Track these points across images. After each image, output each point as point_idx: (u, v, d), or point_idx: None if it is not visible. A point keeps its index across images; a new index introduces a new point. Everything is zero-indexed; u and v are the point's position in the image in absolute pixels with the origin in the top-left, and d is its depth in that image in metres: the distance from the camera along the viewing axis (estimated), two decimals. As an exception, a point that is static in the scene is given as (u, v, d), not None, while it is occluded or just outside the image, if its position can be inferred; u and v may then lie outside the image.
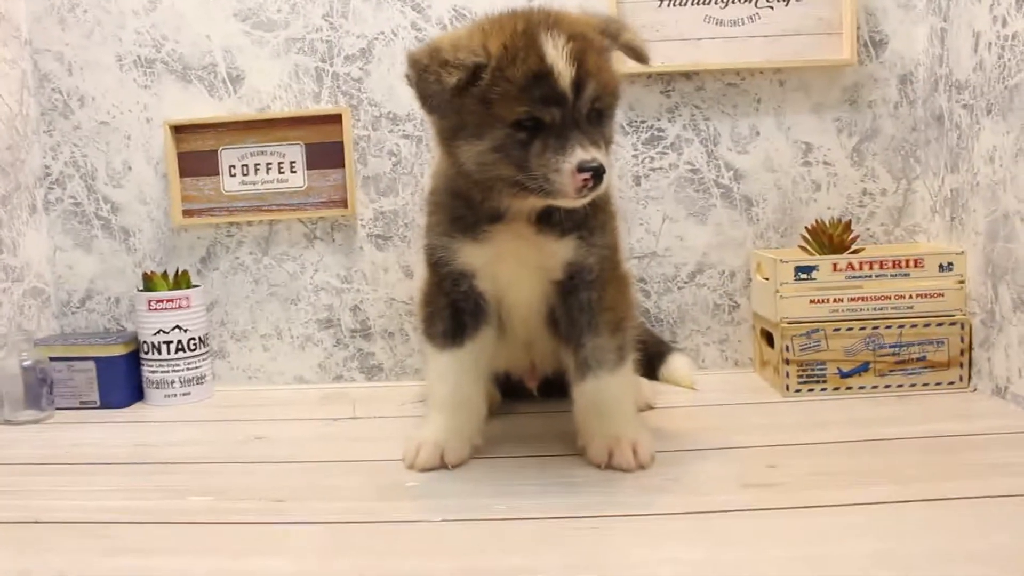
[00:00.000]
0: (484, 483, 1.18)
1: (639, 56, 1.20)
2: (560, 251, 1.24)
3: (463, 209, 1.21)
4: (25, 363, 1.62)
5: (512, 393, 1.54)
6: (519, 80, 1.10)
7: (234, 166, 1.77)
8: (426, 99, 1.14)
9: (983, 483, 1.10)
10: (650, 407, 1.49)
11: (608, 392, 1.25)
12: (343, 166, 1.74)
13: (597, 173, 1.09)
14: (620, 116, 1.72)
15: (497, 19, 1.16)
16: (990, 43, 1.46)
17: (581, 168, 1.08)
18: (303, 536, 1.05)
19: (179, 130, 1.77)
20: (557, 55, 1.09)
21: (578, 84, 1.10)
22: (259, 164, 1.77)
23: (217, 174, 1.78)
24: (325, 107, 1.76)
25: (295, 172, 1.76)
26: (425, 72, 1.12)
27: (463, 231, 1.23)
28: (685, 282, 1.76)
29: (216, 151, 1.77)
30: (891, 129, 1.73)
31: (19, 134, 1.76)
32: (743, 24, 1.69)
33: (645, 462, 1.21)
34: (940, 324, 1.54)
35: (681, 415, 1.47)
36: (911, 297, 1.55)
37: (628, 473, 1.19)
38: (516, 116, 1.11)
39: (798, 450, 1.27)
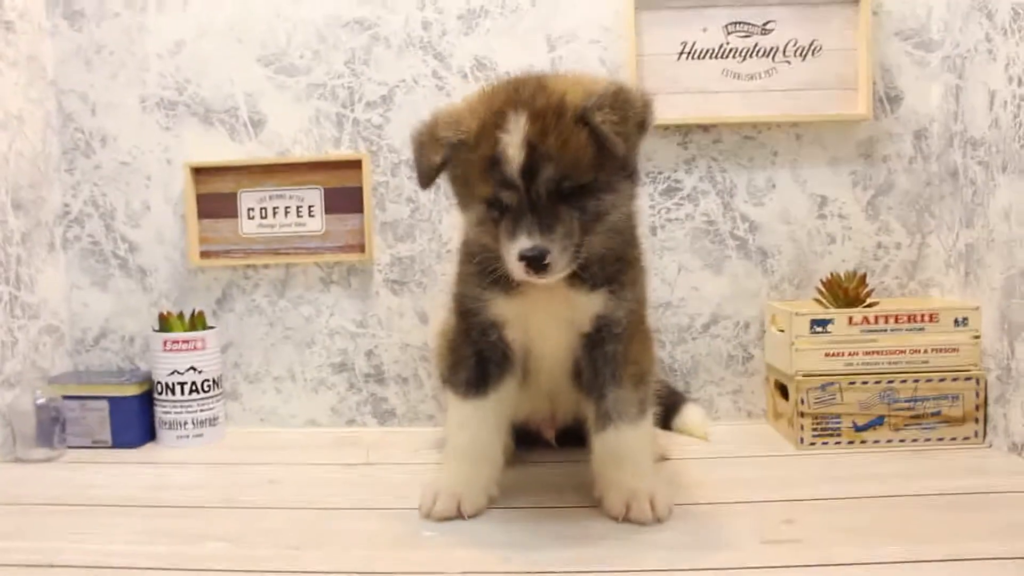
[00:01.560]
0: (501, 534, 1.18)
1: (608, 144, 1.11)
2: (590, 304, 1.24)
3: (496, 262, 1.21)
4: (39, 401, 1.62)
5: (527, 442, 1.54)
6: (481, 163, 1.14)
7: (253, 209, 1.79)
8: (420, 176, 1.22)
9: (1003, 544, 1.09)
10: (664, 458, 1.49)
11: (627, 444, 1.25)
12: (361, 211, 1.76)
13: (532, 261, 1.10)
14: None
15: (488, 92, 1.19)
16: (1005, 102, 1.48)
17: (520, 256, 1.10)
18: (321, 586, 1.04)
19: (199, 172, 1.78)
20: (510, 139, 1.11)
21: (530, 169, 1.10)
22: (278, 207, 1.78)
23: (236, 216, 1.79)
24: (345, 152, 1.77)
25: (313, 216, 1.78)
26: (420, 149, 1.20)
27: (495, 283, 1.23)
28: (699, 332, 1.77)
29: (235, 193, 1.79)
30: (906, 184, 1.74)
31: (41, 172, 1.77)
32: (760, 78, 1.71)
33: (662, 516, 1.20)
34: (955, 379, 1.54)
35: (696, 466, 1.47)
36: (926, 352, 1.55)
37: (645, 526, 1.18)
38: (484, 196, 1.16)
39: (815, 505, 1.26)
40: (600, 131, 1.10)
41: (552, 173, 1.10)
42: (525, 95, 1.13)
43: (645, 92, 1.18)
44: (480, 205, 1.17)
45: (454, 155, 1.17)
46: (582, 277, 1.21)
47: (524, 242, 1.10)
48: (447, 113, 1.20)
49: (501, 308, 1.26)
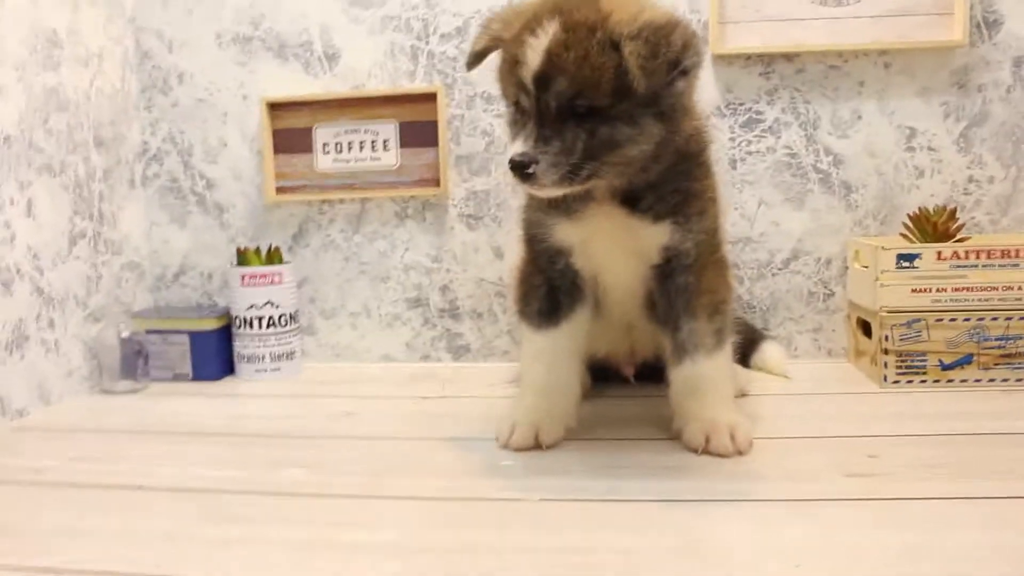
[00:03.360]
0: (579, 465, 1.17)
1: (630, 76, 1.06)
2: (655, 236, 1.22)
3: None
4: (123, 335, 1.66)
5: (606, 379, 1.53)
6: (510, 61, 1.13)
7: (328, 144, 1.79)
8: (467, 56, 1.24)
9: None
10: (744, 394, 1.46)
11: (705, 376, 1.23)
12: (436, 145, 1.74)
13: (516, 166, 1.08)
14: (717, 98, 1.69)
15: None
16: (1114, 24, 1.40)
17: (509, 159, 1.09)
18: (402, 510, 1.05)
19: (274, 107, 1.79)
20: (535, 44, 1.09)
21: (543, 78, 1.08)
22: (352, 142, 1.78)
23: (311, 151, 1.80)
24: (420, 85, 1.76)
25: (388, 150, 1.77)
26: (476, 35, 1.23)
27: (557, 207, 1.21)
28: (779, 269, 1.72)
29: (311, 128, 1.79)
30: (1002, 114, 1.66)
31: (120, 109, 1.80)
32: (848, 4, 1.64)
33: (743, 448, 1.18)
34: (1050, 318, 1.48)
35: (775, 403, 1.44)
36: (1019, 288, 1.49)
37: (725, 458, 1.17)
38: (510, 96, 1.16)
39: (899, 441, 1.23)
40: (626, 61, 1.06)
41: (563, 86, 1.08)
42: (571, 5, 1.11)
43: (691, 33, 1.11)
44: (511, 105, 1.17)
45: (501, 49, 1.18)
46: (642, 207, 1.19)
47: (517, 146, 1.10)
48: (510, 8, 1.22)
49: (565, 233, 1.24)
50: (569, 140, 1.09)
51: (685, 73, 1.11)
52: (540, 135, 1.09)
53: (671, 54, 1.07)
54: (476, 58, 1.22)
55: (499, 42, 1.17)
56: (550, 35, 1.09)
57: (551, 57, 1.08)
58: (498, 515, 1.02)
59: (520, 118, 1.14)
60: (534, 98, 1.10)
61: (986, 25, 1.64)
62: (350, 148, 1.78)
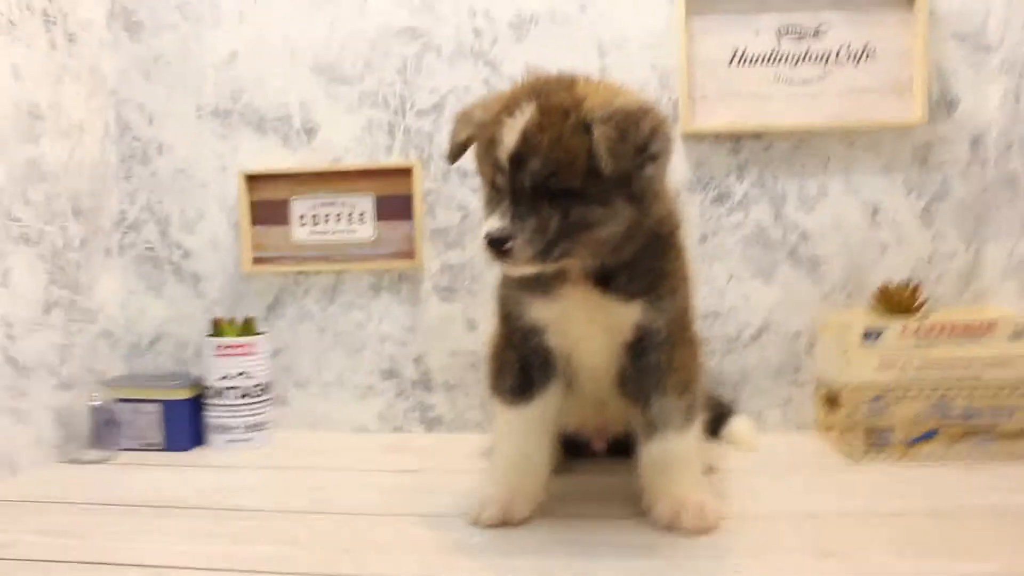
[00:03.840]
0: (550, 543, 1.17)
1: (598, 158, 1.09)
2: (628, 314, 1.24)
3: None
4: (94, 403, 1.65)
5: (578, 453, 1.53)
6: (486, 143, 1.16)
7: (304, 216, 1.81)
8: (448, 150, 1.25)
9: (1063, 561, 1.06)
10: (712, 469, 1.47)
11: (675, 453, 1.24)
12: (412, 218, 1.77)
13: (492, 242, 1.11)
14: (687, 174, 1.73)
15: (525, 83, 1.20)
16: (1066, 108, 1.45)
17: (485, 234, 1.12)
18: (371, 590, 1.05)
19: (253, 179, 1.81)
20: (512, 124, 1.12)
21: (518, 157, 1.11)
22: (329, 214, 1.80)
23: (287, 223, 1.82)
24: (396, 160, 1.79)
25: (364, 223, 1.79)
26: (455, 126, 1.24)
27: (532, 285, 1.24)
28: (749, 342, 1.75)
29: (287, 200, 1.81)
30: (961, 191, 1.71)
31: (100, 180, 1.81)
32: (813, 83, 1.69)
33: (712, 525, 1.19)
34: (1012, 393, 1.51)
35: (745, 478, 1.45)
36: (981, 364, 1.52)
37: (696, 537, 1.17)
38: (487, 176, 1.18)
39: (866, 518, 1.24)
40: (595, 143, 1.09)
41: (538, 166, 1.10)
42: (547, 90, 1.14)
43: (661, 120, 1.13)
44: (487, 186, 1.19)
45: (476, 135, 1.20)
46: (615, 287, 1.21)
47: (493, 222, 1.12)
48: (488, 96, 1.25)
49: (540, 311, 1.26)
50: (544, 219, 1.12)
51: (654, 158, 1.13)
52: (515, 213, 1.11)
53: (639, 139, 1.10)
54: (461, 148, 1.24)
55: (481, 127, 1.19)
56: (527, 116, 1.11)
57: (526, 137, 1.11)
58: (467, 597, 1.02)
59: (496, 196, 1.16)
60: (509, 177, 1.12)
61: (944, 104, 1.70)
62: (327, 220, 1.80)
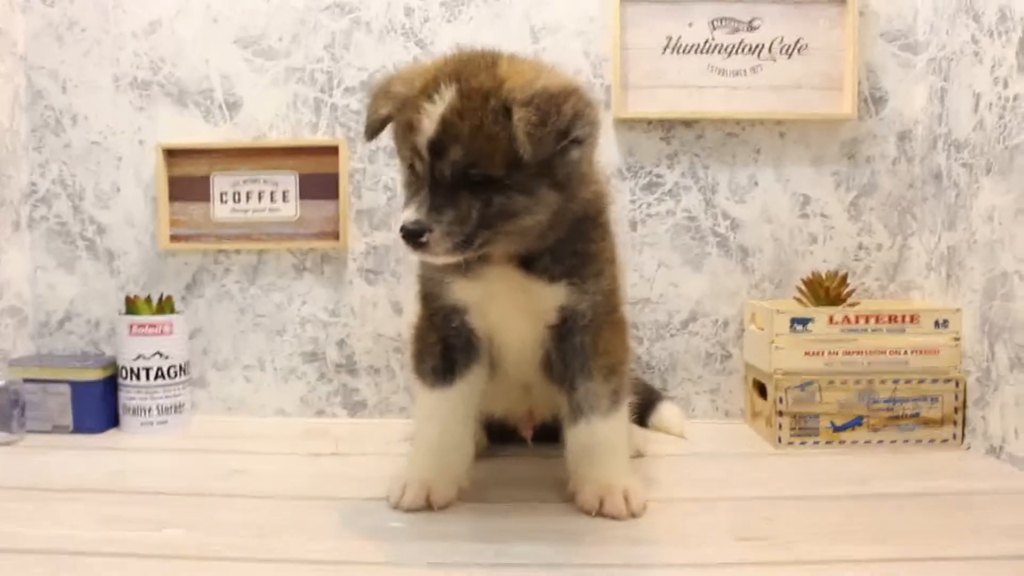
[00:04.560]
0: (471, 527, 1.15)
1: (517, 144, 1.05)
2: (551, 296, 1.21)
3: None
4: (-1, 384, 1.58)
5: (504, 439, 1.50)
6: (404, 126, 1.12)
7: (226, 193, 1.75)
8: (365, 127, 1.20)
9: (982, 545, 1.07)
10: (640, 455, 1.46)
11: (600, 437, 1.22)
12: (337, 198, 1.72)
13: (408, 234, 1.07)
14: (618, 161, 1.71)
15: (447, 58, 1.16)
16: (991, 104, 1.47)
17: (401, 226, 1.08)
18: (285, 574, 1.00)
19: (172, 154, 1.74)
20: (430, 110, 1.08)
21: (437, 146, 1.07)
22: (251, 192, 1.74)
23: (208, 200, 1.75)
24: (322, 138, 1.74)
25: (287, 202, 1.74)
26: (372, 100, 1.19)
27: (454, 266, 1.19)
28: (678, 330, 1.74)
29: (208, 177, 1.75)
30: (888, 185, 1.73)
31: (8, 150, 1.73)
32: (745, 75, 1.69)
33: (637, 511, 1.17)
34: (935, 381, 1.53)
35: (672, 464, 1.44)
36: (906, 353, 1.54)
37: (619, 522, 1.16)
38: (405, 159, 1.14)
39: (793, 504, 1.24)
40: (515, 131, 1.05)
41: (458, 156, 1.07)
42: (468, 70, 1.10)
43: (584, 103, 1.09)
44: (406, 168, 1.16)
45: (396, 112, 1.15)
46: (538, 268, 1.19)
47: (409, 214, 1.08)
48: (407, 70, 1.20)
49: (461, 292, 1.23)
50: (463, 209, 1.08)
51: (578, 142, 1.10)
52: (433, 203, 1.08)
53: (561, 123, 1.06)
54: (380, 125, 1.18)
55: (403, 105, 1.14)
56: (446, 102, 1.07)
57: (445, 125, 1.07)
58: (384, 581, 0.99)
59: (414, 182, 1.12)
60: (428, 165, 1.09)
61: (872, 101, 1.72)
62: (248, 198, 1.74)
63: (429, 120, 1.07)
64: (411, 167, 1.13)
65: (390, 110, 1.16)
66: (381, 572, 1.01)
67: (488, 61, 1.12)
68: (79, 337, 1.81)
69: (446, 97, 1.07)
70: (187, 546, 1.08)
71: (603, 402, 1.23)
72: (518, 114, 1.05)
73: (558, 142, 1.07)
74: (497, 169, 1.07)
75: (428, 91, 1.09)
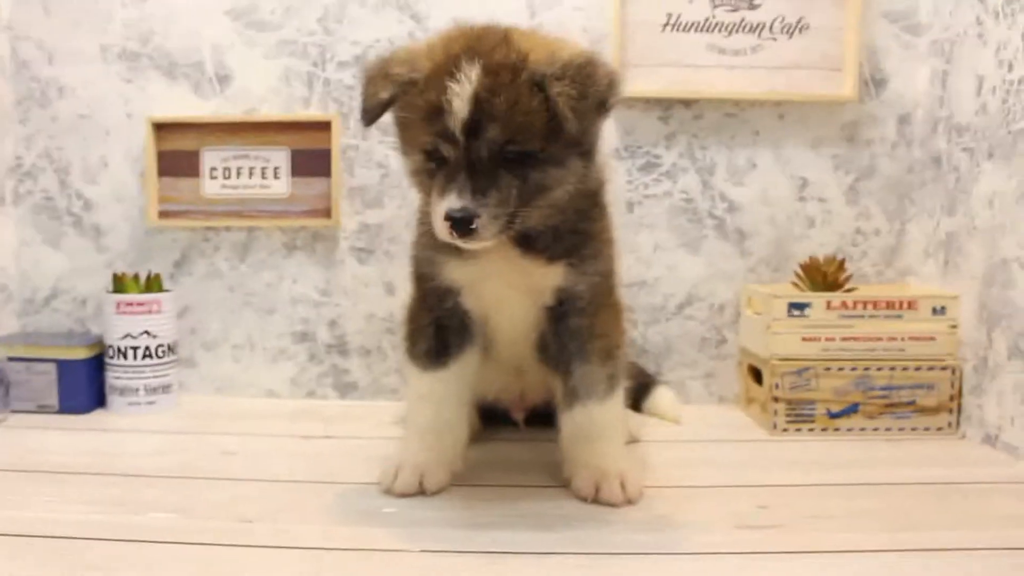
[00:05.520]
0: (465, 513, 1.13)
1: (561, 118, 1.04)
2: (549, 277, 1.19)
3: None
4: (-18, 361, 1.55)
5: (496, 423, 1.49)
6: (426, 108, 1.07)
7: (216, 168, 1.71)
8: (364, 111, 1.14)
9: (980, 534, 1.07)
10: (635, 440, 1.45)
11: (596, 422, 1.20)
12: (329, 175, 1.69)
13: (458, 223, 1.04)
14: (615, 141, 1.68)
15: (450, 35, 1.12)
16: (995, 87, 1.45)
17: (447, 215, 1.05)
18: (274, 560, 0.99)
19: (161, 127, 1.70)
20: (459, 90, 1.04)
21: (473, 125, 1.04)
22: (242, 168, 1.71)
23: (197, 175, 1.72)
24: (314, 113, 1.70)
25: (279, 178, 1.71)
26: (369, 83, 1.13)
27: (448, 246, 1.15)
28: (673, 313, 1.73)
29: (198, 151, 1.71)
30: (888, 169, 1.71)
31: (-8, 122, 1.69)
32: (746, 54, 1.67)
33: (633, 497, 1.16)
34: (931, 368, 1.52)
35: (667, 450, 1.43)
36: (903, 339, 1.53)
37: (615, 508, 1.14)
38: (423, 144, 1.09)
39: (790, 491, 1.23)
40: (555, 102, 1.03)
41: (496, 134, 1.04)
42: (486, 46, 1.07)
43: (613, 70, 1.10)
44: (419, 154, 1.11)
45: (402, 95, 1.10)
46: (536, 248, 1.16)
47: (453, 201, 1.04)
48: (405, 50, 1.14)
49: (456, 272, 1.20)
50: (504, 190, 1.06)
51: (608, 111, 1.10)
52: (475, 186, 1.04)
53: (599, 93, 1.06)
54: (382, 108, 1.13)
55: (409, 87, 1.09)
56: (474, 79, 1.04)
57: (479, 104, 1.03)
58: (377, 567, 0.97)
59: (438, 169, 1.08)
60: (463, 147, 1.05)
61: (874, 83, 1.69)
62: (239, 174, 1.71)
63: (460, 100, 1.04)
64: (430, 152, 1.09)
65: (392, 93, 1.10)
66: (374, 559, 0.99)
67: (499, 36, 1.09)
68: (65, 315, 1.78)
69: (472, 75, 1.04)
70: (174, 530, 1.07)
71: (599, 386, 1.21)
72: (556, 87, 1.03)
73: (598, 112, 1.08)
74: (534, 144, 1.06)
75: (449, 70, 1.05)
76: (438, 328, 1.24)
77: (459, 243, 1.08)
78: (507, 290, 1.21)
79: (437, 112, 1.05)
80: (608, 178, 1.26)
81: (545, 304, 1.22)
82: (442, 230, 1.06)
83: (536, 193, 1.08)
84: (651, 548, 1.02)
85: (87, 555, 0.99)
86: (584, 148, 1.10)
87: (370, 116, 1.14)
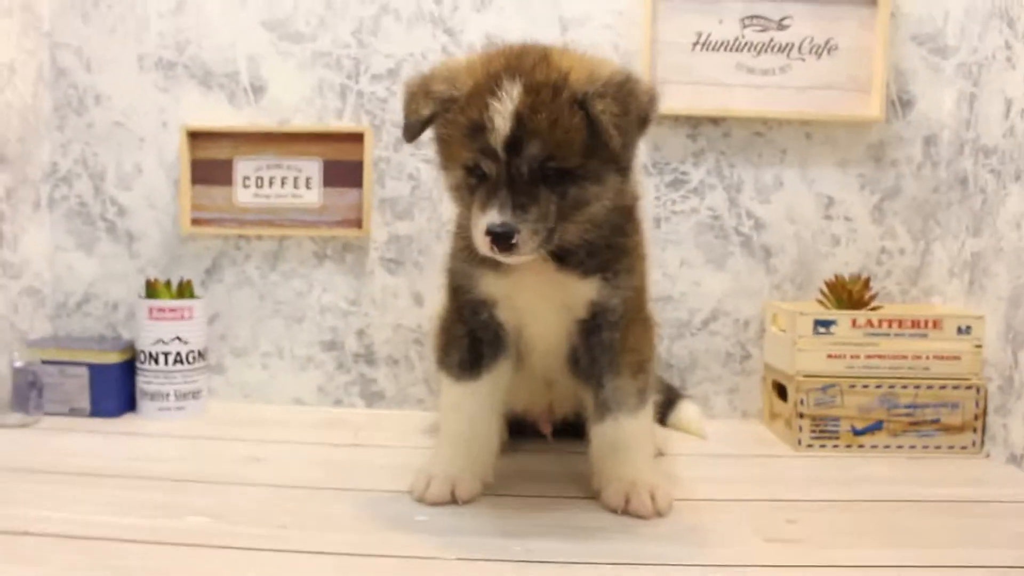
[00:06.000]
0: (497, 522, 1.14)
1: (605, 136, 1.06)
2: (583, 291, 1.21)
3: None
4: (16, 364, 1.57)
5: (522, 434, 1.50)
6: (467, 125, 1.09)
7: (248, 177, 1.74)
8: (406, 128, 1.16)
9: (1004, 553, 1.08)
10: (661, 454, 1.46)
11: (627, 435, 1.22)
12: (360, 186, 1.71)
13: (499, 238, 1.06)
14: (643, 157, 1.70)
15: (490, 54, 1.14)
16: (1023, 110, 1.46)
17: (488, 230, 1.07)
18: (309, 565, 1.00)
19: (195, 136, 1.73)
20: (500, 107, 1.06)
21: (514, 142, 1.06)
22: (274, 177, 1.73)
23: (230, 184, 1.74)
24: (347, 125, 1.73)
25: (311, 188, 1.73)
26: (410, 100, 1.15)
27: (484, 259, 1.17)
28: (698, 328, 1.74)
29: (231, 160, 1.74)
30: (913, 189, 1.72)
31: (30, 127, 1.71)
32: (774, 74, 1.68)
33: (663, 509, 1.17)
34: (956, 387, 1.52)
35: (694, 463, 1.44)
36: (928, 358, 1.54)
37: (645, 520, 1.15)
38: (464, 160, 1.12)
39: (816, 506, 1.24)
40: (599, 120, 1.06)
41: (537, 151, 1.06)
42: (526, 64, 1.09)
43: (652, 86, 1.13)
44: (459, 169, 1.13)
45: (443, 112, 1.12)
46: (572, 262, 1.18)
47: (494, 216, 1.06)
48: (445, 68, 1.16)
49: (491, 286, 1.22)
50: (544, 205, 1.08)
51: (648, 127, 1.13)
52: (516, 202, 1.06)
53: (640, 109, 1.09)
54: (423, 125, 1.15)
55: (450, 104, 1.11)
56: (515, 97, 1.06)
57: (521, 121, 1.06)
58: (414, 574, 0.98)
59: (480, 185, 1.10)
60: (505, 163, 1.07)
61: (900, 103, 1.71)
62: (271, 183, 1.73)
63: (502, 118, 1.06)
64: (471, 168, 1.11)
65: (434, 110, 1.12)
66: (408, 566, 1.00)
67: (539, 54, 1.11)
68: (97, 319, 1.80)
69: (513, 93, 1.06)
70: (211, 534, 1.08)
71: (630, 399, 1.22)
72: (599, 105, 1.05)
73: (640, 127, 1.10)
74: (573, 160, 1.08)
75: (491, 88, 1.07)
76: (472, 340, 1.26)
77: (499, 257, 1.09)
78: (541, 303, 1.23)
79: (479, 129, 1.07)
80: (641, 194, 1.28)
81: (578, 318, 1.23)
82: (483, 244, 1.08)
83: (575, 209, 1.10)
84: (681, 560, 1.03)
85: (118, 557, 1.01)
86: (622, 164, 1.12)
87: (412, 132, 1.16)
